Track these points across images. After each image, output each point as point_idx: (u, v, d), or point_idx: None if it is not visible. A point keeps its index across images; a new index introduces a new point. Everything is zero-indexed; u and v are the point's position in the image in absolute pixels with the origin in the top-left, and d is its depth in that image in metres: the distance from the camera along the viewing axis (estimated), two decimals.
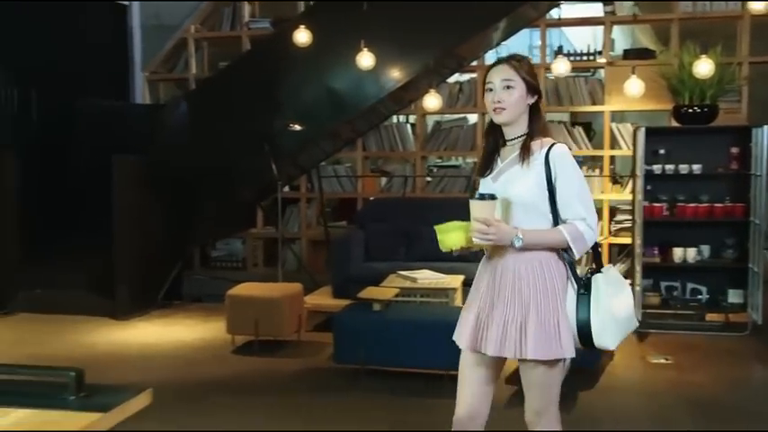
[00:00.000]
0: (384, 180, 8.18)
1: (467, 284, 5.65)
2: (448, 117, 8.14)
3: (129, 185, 6.80)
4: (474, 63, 7.60)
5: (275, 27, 7.85)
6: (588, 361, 4.75)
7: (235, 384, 4.93)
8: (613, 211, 7.43)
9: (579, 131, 7.51)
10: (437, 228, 2.66)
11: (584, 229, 2.61)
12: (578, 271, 2.69)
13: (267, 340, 5.63)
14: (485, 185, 2.73)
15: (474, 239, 2.57)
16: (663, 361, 5.34)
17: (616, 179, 7.54)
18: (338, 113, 6.84)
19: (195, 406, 4.44)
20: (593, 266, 2.71)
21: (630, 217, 7.02)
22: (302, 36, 6.07)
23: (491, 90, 2.69)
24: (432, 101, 6.22)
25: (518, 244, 2.57)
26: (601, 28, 7.93)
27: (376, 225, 6.88)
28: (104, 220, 6.75)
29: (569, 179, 2.63)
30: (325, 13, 6.73)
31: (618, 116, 7.64)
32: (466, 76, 7.88)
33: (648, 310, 6.11)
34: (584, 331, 2.61)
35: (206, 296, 7.37)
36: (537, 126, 2.70)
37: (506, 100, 2.65)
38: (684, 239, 6.22)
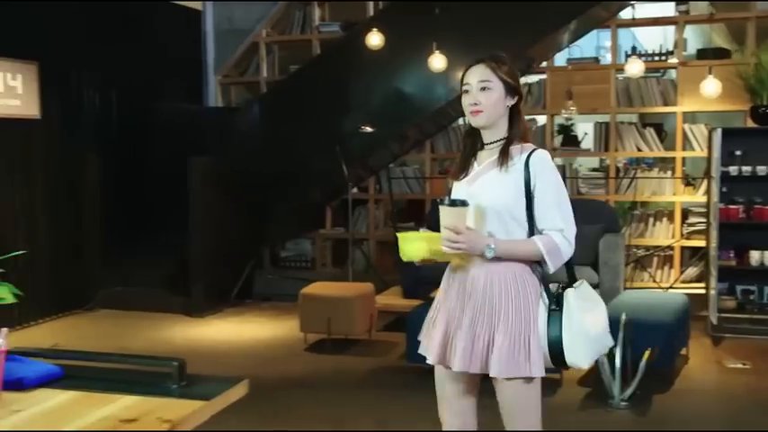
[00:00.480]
0: None
1: None
2: None
3: (205, 186, 6.98)
4: (543, 65, 7.57)
5: (345, 30, 7.95)
6: (663, 364, 4.71)
7: (309, 381, 5.03)
8: (686, 214, 7.31)
9: (651, 132, 7.41)
10: (399, 235, 2.52)
11: (560, 241, 2.47)
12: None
13: (339, 339, 5.73)
14: (458, 190, 2.60)
15: (443, 248, 2.42)
16: (740, 366, 5.24)
17: (689, 181, 7.42)
18: (408, 116, 6.91)
19: (271, 401, 4.54)
20: (566, 281, 2.57)
21: (704, 219, 6.91)
22: (373, 39, 6.15)
23: (467, 92, 2.56)
24: None
25: (489, 254, 2.44)
26: (671, 28, 7.83)
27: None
28: (180, 220, 6.95)
29: (548, 187, 2.50)
30: (396, 16, 6.80)
31: (689, 117, 7.51)
32: (535, 78, 7.85)
33: (724, 315, 6.00)
34: (555, 349, 2.47)
35: (276, 295, 7.50)
36: (517, 129, 2.57)
37: (483, 102, 2.52)
38: (762, 242, 6.09)
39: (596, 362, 4.45)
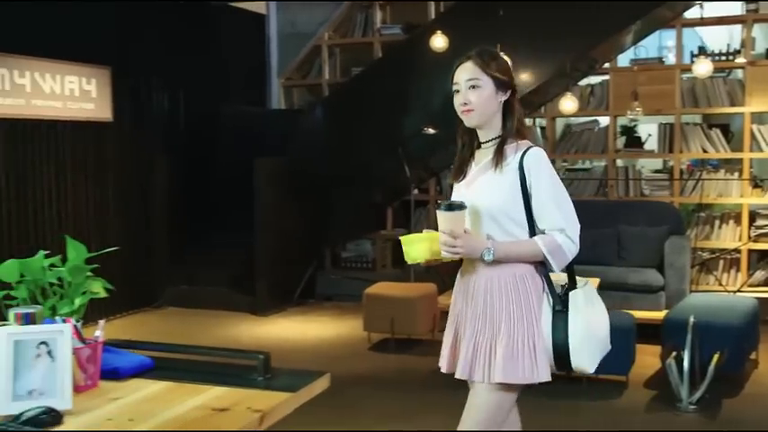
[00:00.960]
0: None
1: (602, 287, 5.62)
2: (578, 119, 8.07)
3: (269, 187, 7.11)
4: (606, 65, 7.51)
5: (406, 32, 8.01)
6: (732, 367, 4.65)
7: (374, 379, 5.10)
8: (753, 216, 7.17)
9: (717, 133, 7.29)
10: (402, 238, 2.47)
11: (562, 240, 2.39)
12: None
13: (402, 338, 5.78)
14: (457, 192, 2.55)
15: (442, 253, 2.38)
16: None
17: (756, 183, 7.28)
18: None
19: (337, 399, 4.61)
20: (569, 282, 2.47)
21: None
22: (437, 41, 6.19)
23: (458, 91, 2.49)
24: (568, 103, 6.21)
25: (488, 257, 2.38)
26: (736, 27, 7.69)
27: None
28: (245, 220, 7.09)
29: (545, 186, 2.41)
30: (459, 18, 6.83)
31: (756, 117, 7.37)
32: (597, 79, 7.79)
33: None
34: (560, 352, 2.40)
35: (337, 295, 7.59)
36: (511, 126, 2.48)
37: (474, 101, 2.45)
38: None
39: (664, 364, 4.44)
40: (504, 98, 2.48)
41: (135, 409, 1.89)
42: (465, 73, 2.47)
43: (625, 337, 4.67)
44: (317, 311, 7.18)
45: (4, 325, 2.10)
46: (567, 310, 2.40)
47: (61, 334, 1.92)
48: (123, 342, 2.27)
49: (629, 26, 6.44)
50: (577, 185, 7.82)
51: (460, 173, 2.57)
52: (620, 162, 7.76)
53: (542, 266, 2.45)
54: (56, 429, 1.75)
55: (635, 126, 7.82)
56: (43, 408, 1.79)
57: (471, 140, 2.56)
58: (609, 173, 7.61)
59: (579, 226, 2.45)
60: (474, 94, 2.45)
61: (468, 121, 2.49)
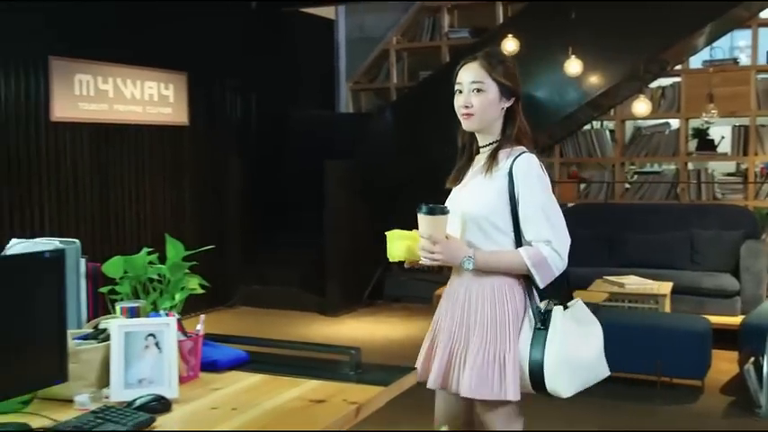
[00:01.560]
0: (582, 186, 8.15)
1: (675, 292, 5.58)
2: (648, 122, 7.98)
3: (339, 189, 7.22)
4: (678, 67, 7.42)
5: (474, 36, 8.04)
6: None
7: None
8: None
9: None
10: (387, 234, 2.39)
11: (548, 253, 2.25)
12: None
13: None
14: (453, 197, 2.44)
15: (421, 259, 2.29)
16: None
17: None
18: (538, 121, 6.90)
19: (409, 400, 4.67)
20: (556, 299, 2.32)
21: None
22: (509, 45, 6.21)
23: (460, 92, 2.38)
24: (641, 106, 6.16)
25: (468, 266, 2.26)
26: None
27: (578, 231, 6.87)
28: (314, 220, 7.22)
29: (532, 194, 2.28)
30: (529, 21, 6.84)
31: None
32: (668, 80, 7.70)
33: None
34: (535, 372, 2.24)
35: (406, 296, 7.66)
36: (510, 133, 2.37)
37: (475, 105, 2.34)
38: None
39: (742, 370, 4.38)
40: (506, 105, 2.37)
41: (236, 399, 1.98)
42: (469, 74, 2.37)
43: (701, 342, 4.63)
44: (386, 312, 7.26)
45: (111, 318, 2.23)
46: (548, 329, 2.25)
47: (167, 327, 2.03)
48: (220, 336, 2.38)
49: (704, 27, 6.36)
50: (647, 188, 7.74)
51: (458, 177, 2.47)
52: (690, 165, 7.66)
53: (527, 280, 2.32)
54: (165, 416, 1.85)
55: (707, 128, 7.70)
56: (153, 395, 1.90)
57: (471, 144, 2.47)
58: (680, 176, 7.50)
59: (569, 241, 2.30)
60: (477, 97, 2.35)
61: (467, 125, 2.40)
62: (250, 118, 7.81)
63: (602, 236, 6.62)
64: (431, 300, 5.92)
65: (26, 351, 1.80)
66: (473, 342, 2.30)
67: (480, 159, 2.42)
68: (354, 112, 8.92)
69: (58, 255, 1.87)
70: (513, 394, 2.25)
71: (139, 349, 1.99)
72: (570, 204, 7.85)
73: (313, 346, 2.39)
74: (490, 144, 2.39)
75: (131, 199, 6.49)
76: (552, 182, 7.89)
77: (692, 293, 5.84)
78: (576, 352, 2.27)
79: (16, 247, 2.32)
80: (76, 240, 2.35)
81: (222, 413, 1.88)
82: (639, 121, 7.95)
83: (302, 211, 7.61)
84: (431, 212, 2.26)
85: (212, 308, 7.21)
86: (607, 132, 8.18)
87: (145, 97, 6.55)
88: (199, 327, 2.20)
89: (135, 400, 1.88)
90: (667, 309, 5.40)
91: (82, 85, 6.01)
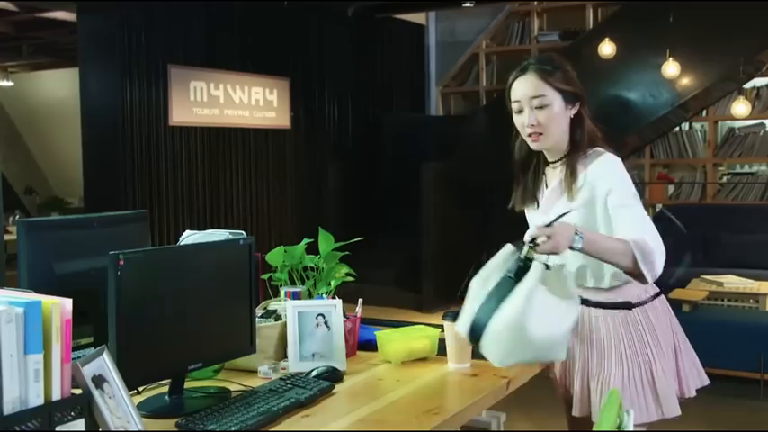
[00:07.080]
0: (672, 187, 8.17)
1: None
2: (742, 123, 7.95)
3: (434, 189, 7.44)
4: None
5: (564, 39, 8.15)
6: None
7: (542, 374, 5.28)
8: None
9: None
10: (378, 335, 2.37)
11: (655, 246, 2.01)
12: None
13: None
14: (534, 219, 2.24)
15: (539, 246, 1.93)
16: None
17: None
18: (629, 124, 7.00)
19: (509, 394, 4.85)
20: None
21: None
22: (605, 48, 6.32)
23: (520, 111, 2.17)
24: (740, 107, 6.19)
25: (578, 245, 1.95)
26: None
27: (673, 231, 6.94)
28: (408, 221, 7.45)
29: (619, 196, 2.09)
30: (623, 24, 6.93)
31: None
32: (763, 81, 7.67)
33: None
34: (477, 323, 1.96)
35: None
36: (580, 140, 2.17)
37: (543, 122, 2.13)
38: None
39: None
40: (574, 111, 2.17)
41: (397, 373, 2.22)
42: (527, 88, 2.15)
43: None
44: None
45: (277, 300, 2.50)
46: (516, 281, 1.90)
47: (334, 308, 2.29)
48: (371, 320, 2.62)
49: None
50: (741, 189, 7.73)
51: (527, 198, 2.30)
52: None
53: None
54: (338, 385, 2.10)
55: None
56: (328, 366, 2.15)
57: (538, 161, 2.28)
58: None
59: (664, 254, 2.05)
60: (542, 114, 2.13)
61: (538, 145, 2.19)
62: (347, 121, 8.10)
63: (696, 236, 6.67)
64: None
65: (227, 324, 2.07)
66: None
67: (553, 176, 2.23)
68: (444, 114, 9.13)
69: (250, 242, 2.14)
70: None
71: (311, 327, 2.25)
72: (659, 206, 7.89)
73: None
74: (562, 158, 2.20)
75: (238, 199, 6.85)
76: (642, 183, 7.95)
77: None
78: (529, 321, 1.85)
79: (189, 238, 2.59)
80: (242, 232, 2.62)
81: (389, 383, 2.12)
82: (732, 121, 7.93)
83: (397, 211, 7.85)
84: (454, 320, 2.13)
85: None
86: (698, 133, 8.19)
87: (252, 102, 6.90)
88: (358, 309, 2.46)
89: (312, 370, 2.13)
90: (767, 308, 5.44)
91: (196, 92, 6.39)
